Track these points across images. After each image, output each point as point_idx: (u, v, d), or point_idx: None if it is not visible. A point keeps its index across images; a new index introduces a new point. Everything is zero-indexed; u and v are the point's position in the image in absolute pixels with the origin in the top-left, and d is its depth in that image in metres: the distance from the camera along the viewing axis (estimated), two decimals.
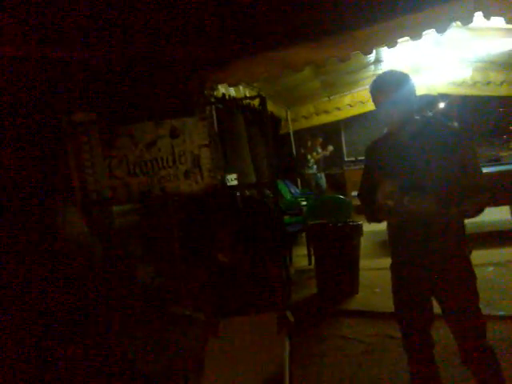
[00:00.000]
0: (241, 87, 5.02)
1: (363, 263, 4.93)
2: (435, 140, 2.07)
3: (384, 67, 7.08)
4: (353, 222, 4.87)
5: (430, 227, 2.07)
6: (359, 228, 4.67)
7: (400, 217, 2.08)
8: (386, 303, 4.23)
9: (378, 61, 6.54)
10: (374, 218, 2.28)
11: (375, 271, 5.13)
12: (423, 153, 2.07)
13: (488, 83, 8.17)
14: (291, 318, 2.50)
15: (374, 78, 2.18)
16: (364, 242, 5.04)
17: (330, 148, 9.75)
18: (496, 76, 8.02)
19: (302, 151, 9.42)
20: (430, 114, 8.99)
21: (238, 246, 2.52)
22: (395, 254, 2.28)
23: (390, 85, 2.08)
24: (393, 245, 2.28)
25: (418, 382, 2.34)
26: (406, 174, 2.06)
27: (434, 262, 2.12)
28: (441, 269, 2.11)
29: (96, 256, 1.39)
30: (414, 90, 2.13)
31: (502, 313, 3.75)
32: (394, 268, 2.30)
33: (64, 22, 2.95)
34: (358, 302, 4.47)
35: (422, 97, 9.00)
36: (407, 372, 3.08)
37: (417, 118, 2.15)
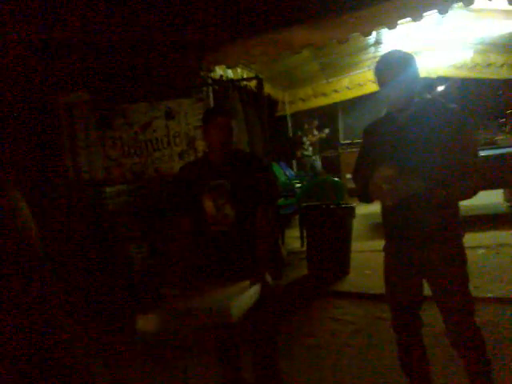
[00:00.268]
0: (238, 69, 4.98)
1: (355, 245, 4.98)
2: (434, 122, 2.08)
3: (384, 49, 7.03)
4: (346, 204, 4.90)
5: (424, 208, 2.09)
6: (352, 210, 4.71)
7: (394, 199, 2.07)
8: (376, 285, 4.31)
9: (377, 43, 6.48)
10: (366, 199, 2.28)
11: (366, 253, 5.20)
12: (422, 135, 2.07)
13: (488, 65, 8.11)
14: (269, 280, 2.42)
15: (380, 56, 2.17)
16: (356, 224, 5.08)
17: (326, 131, 9.74)
18: (496, 58, 7.96)
19: (299, 133, 9.40)
20: (429, 96, 8.95)
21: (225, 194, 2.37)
22: (388, 234, 2.30)
23: (396, 64, 2.07)
24: (386, 226, 2.30)
25: (406, 362, 2.39)
26: (404, 156, 2.07)
27: (427, 242, 2.14)
28: (433, 250, 2.13)
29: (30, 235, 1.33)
30: (418, 72, 2.12)
31: (490, 295, 3.81)
32: (386, 249, 2.32)
33: (62, 3, 2.91)
34: (348, 284, 4.53)
35: (422, 79, 8.94)
36: (395, 352, 3.18)
37: (417, 100, 2.15)
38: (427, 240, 2.13)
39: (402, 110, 2.12)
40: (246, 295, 2.20)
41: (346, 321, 3.80)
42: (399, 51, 2.15)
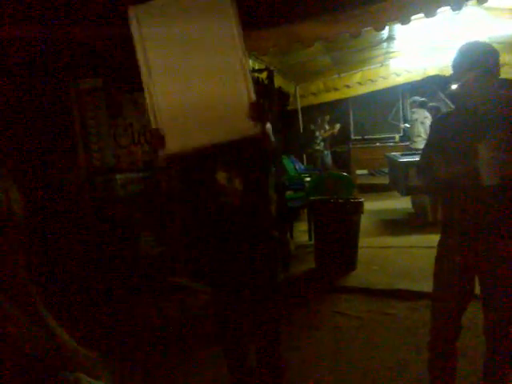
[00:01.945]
0: (250, 60, 4.97)
1: (363, 241, 4.96)
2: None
3: (397, 45, 6.99)
4: (354, 198, 4.89)
5: (495, 200, 2.06)
6: (360, 205, 4.70)
7: (497, 175, 2.01)
8: (383, 280, 4.34)
9: (390, 38, 6.43)
10: (432, 187, 2.32)
11: (374, 249, 5.20)
12: (504, 125, 2.04)
13: (502, 65, 8.03)
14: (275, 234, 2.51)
15: (461, 46, 2.11)
16: (364, 220, 5.08)
17: (338, 126, 9.74)
18: (510, 58, 7.87)
19: (312, 127, 9.40)
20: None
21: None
22: (448, 228, 2.24)
23: (484, 53, 2.03)
24: (448, 218, 2.25)
25: (435, 363, 2.32)
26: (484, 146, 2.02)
27: (490, 235, 2.10)
28: (494, 244, 2.10)
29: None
30: (499, 66, 2.09)
31: None
32: (443, 243, 2.26)
33: None
34: (355, 279, 4.51)
35: (435, 78, 8.91)
36: (399, 348, 3.19)
37: (493, 93, 2.11)
38: (491, 233, 2.09)
39: (482, 103, 2.08)
40: None
41: (351, 315, 3.80)
42: (482, 43, 2.12)
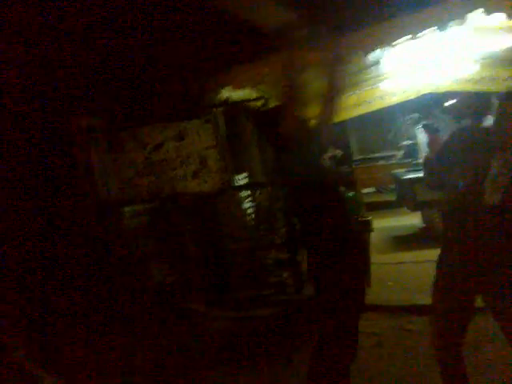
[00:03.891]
0: (247, 90, 5.06)
1: (376, 258, 4.94)
2: None
3: (386, 67, 7.09)
4: (362, 217, 4.90)
5: (494, 220, 2.07)
6: (368, 223, 4.71)
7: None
8: (399, 297, 4.28)
9: (376, 62, 6.52)
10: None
11: (387, 266, 5.17)
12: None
13: (494, 79, 8.14)
14: None
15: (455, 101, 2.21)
16: (376, 237, 5.08)
17: (339, 153, 9.72)
18: (502, 72, 7.97)
19: None
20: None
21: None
22: (451, 243, 2.23)
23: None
24: (450, 234, 2.24)
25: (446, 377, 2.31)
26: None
27: (493, 253, 2.09)
28: (497, 262, 2.08)
29: None
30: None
31: None
32: (443, 260, 2.25)
33: (70, 23, 3.01)
34: (370, 296, 4.43)
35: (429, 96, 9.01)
36: (417, 364, 3.13)
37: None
38: (494, 249, 2.08)
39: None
40: None
41: (369, 333, 3.73)
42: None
